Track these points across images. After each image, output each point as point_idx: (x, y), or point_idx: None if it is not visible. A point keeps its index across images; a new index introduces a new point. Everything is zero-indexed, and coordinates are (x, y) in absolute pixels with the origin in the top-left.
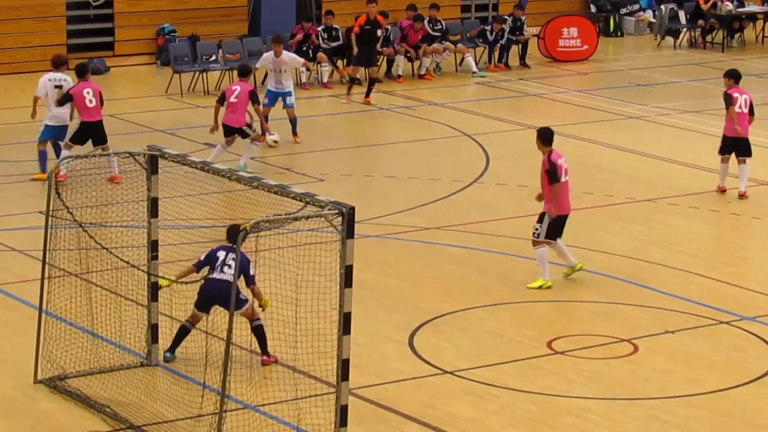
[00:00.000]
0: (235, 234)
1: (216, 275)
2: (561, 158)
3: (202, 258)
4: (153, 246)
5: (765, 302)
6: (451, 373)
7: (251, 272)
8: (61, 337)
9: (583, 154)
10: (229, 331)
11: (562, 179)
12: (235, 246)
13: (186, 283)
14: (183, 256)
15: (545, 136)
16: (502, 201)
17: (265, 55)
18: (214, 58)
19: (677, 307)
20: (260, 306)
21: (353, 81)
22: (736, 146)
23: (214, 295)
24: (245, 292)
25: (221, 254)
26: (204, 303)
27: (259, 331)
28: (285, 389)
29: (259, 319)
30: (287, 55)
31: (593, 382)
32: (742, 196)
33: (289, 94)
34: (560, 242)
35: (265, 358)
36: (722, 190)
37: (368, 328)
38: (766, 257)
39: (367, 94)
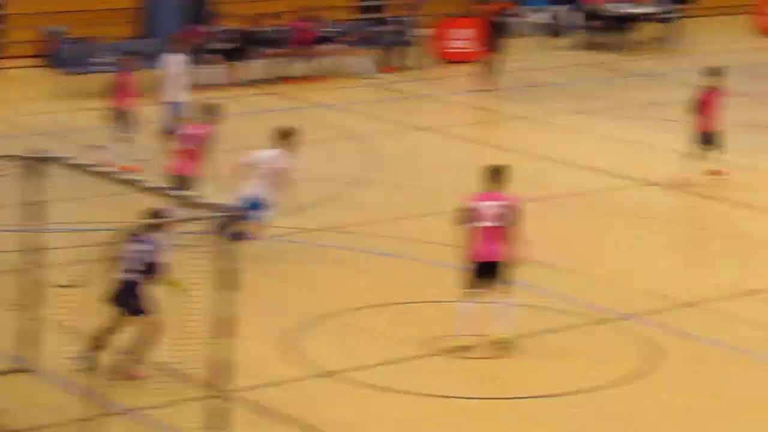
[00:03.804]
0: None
1: (121, 274)
2: (489, 202)
3: None
4: (35, 250)
5: (646, 301)
6: (332, 374)
7: (161, 260)
8: None
9: (475, 154)
10: (110, 334)
11: (474, 223)
12: (140, 236)
13: (74, 286)
14: (66, 260)
15: (486, 174)
16: (390, 202)
17: None
18: (105, 59)
19: (559, 305)
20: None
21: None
22: None
23: (118, 294)
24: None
25: (129, 247)
26: (115, 302)
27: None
28: (166, 393)
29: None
30: None
31: (474, 382)
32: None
33: None
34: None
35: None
36: None
37: (250, 330)
38: (650, 256)
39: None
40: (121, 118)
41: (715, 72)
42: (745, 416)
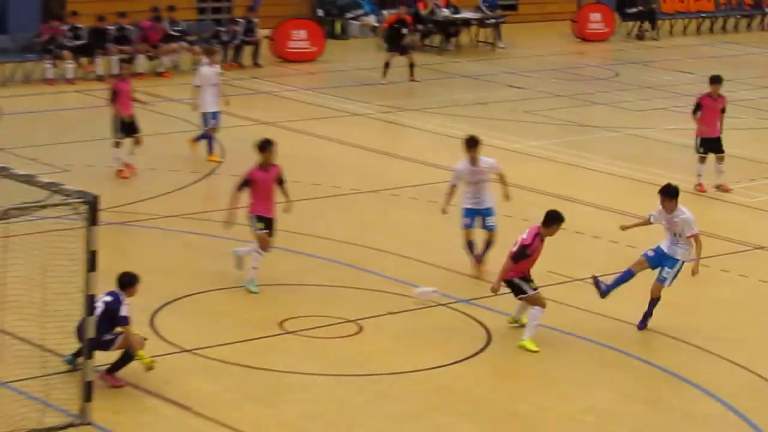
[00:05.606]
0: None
1: None
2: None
3: None
4: None
5: (476, 286)
6: (189, 351)
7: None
8: None
9: (312, 148)
10: None
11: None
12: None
13: None
14: None
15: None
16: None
17: (458, 166)
18: None
19: (397, 290)
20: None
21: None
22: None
23: None
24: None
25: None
26: None
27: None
28: (34, 366)
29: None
30: (486, 162)
31: (321, 360)
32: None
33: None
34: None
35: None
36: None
37: None
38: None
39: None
40: (120, 123)
41: (715, 79)
42: (561, 386)
